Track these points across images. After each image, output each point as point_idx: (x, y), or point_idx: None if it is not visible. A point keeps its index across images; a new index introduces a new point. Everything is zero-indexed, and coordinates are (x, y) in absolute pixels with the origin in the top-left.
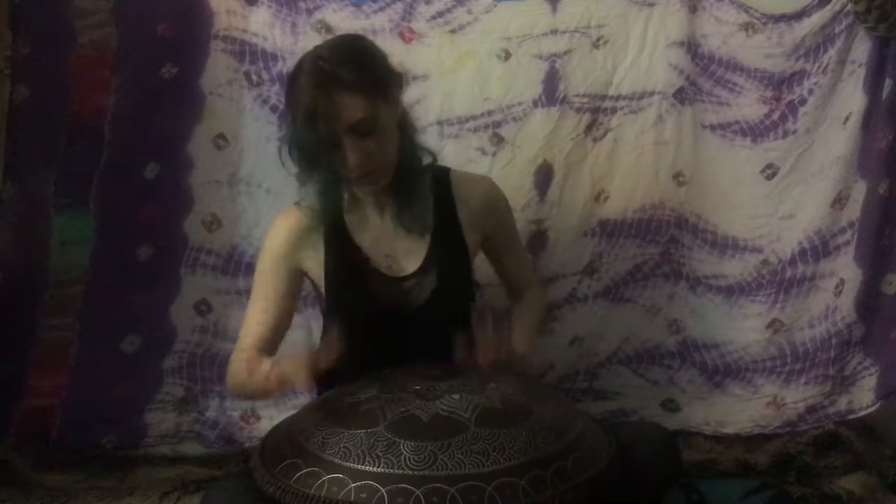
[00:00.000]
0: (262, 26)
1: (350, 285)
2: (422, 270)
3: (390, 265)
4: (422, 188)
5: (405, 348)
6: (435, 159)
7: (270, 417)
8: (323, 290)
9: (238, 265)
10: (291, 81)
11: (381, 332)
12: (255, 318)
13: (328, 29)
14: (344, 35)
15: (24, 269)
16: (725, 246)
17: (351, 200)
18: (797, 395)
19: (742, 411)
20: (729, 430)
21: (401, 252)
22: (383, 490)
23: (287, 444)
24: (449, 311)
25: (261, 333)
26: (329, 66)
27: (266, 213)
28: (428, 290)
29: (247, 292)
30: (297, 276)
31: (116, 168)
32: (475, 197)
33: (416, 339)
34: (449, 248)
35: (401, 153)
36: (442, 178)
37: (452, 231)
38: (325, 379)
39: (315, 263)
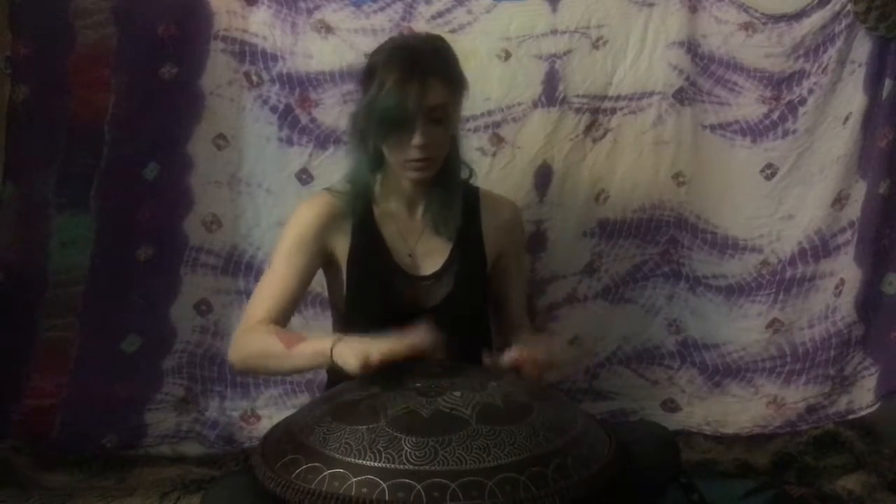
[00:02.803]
0: (262, 26)
1: (372, 276)
2: (441, 273)
3: (412, 263)
4: (457, 198)
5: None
6: (472, 174)
7: (270, 417)
8: (344, 276)
9: (238, 265)
10: (376, 58)
11: (392, 328)
12: (270, 291)
13: (328, 29)
14: (431, 34)
15: (24, 269)
16: (725, 246)
17: (382, 192)
18: (797, 395)
19: (742, 411)
20: (729, 430)
21: (423, 251)
22: (384, 485)
23: (288, 440)
24: (459, 316)
25: (274, 307)
26: (425, 50)
27: (266, 213)
28: (443, 293)
29: (247, 292)
30: (320, 257)
31: (116, 168)
32: (499, 215)
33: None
34: (469, 257)
35: (447, 158)
36: (472, 191)
37: (474, 241)
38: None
39: (342, 248)
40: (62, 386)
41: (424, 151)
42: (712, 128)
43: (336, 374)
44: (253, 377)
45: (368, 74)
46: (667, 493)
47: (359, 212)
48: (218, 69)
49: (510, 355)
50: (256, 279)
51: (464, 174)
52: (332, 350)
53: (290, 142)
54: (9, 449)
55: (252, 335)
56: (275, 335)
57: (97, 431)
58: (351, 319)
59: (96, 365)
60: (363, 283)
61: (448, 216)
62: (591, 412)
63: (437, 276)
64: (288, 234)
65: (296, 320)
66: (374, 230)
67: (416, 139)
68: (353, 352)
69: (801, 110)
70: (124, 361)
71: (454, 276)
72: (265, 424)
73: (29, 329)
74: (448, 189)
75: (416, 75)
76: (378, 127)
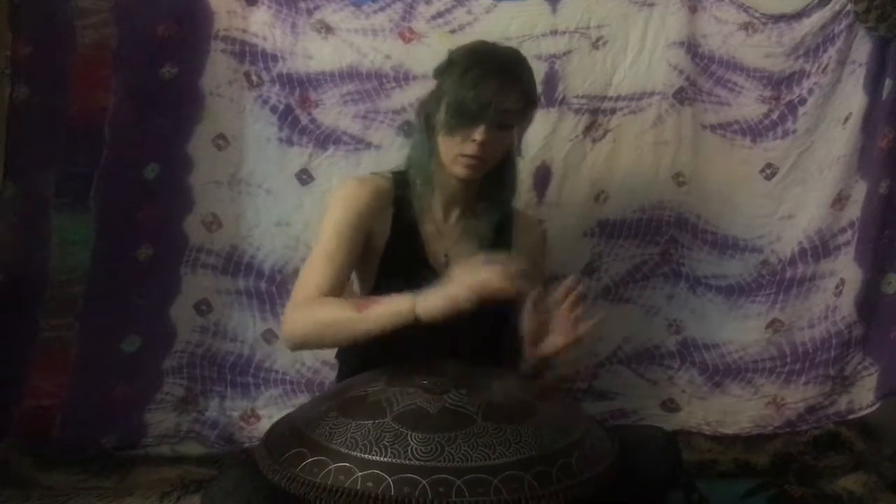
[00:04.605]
0: (262, 26)
1: (404, 271)
2: None
3: (446, 265)
4: (496, 214)
5: (431, 351)
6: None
7: (270, 417)
8: (377, 266)
9: (238, 265)
10: (460, 52)
11: (415, 329)
12: (321, 268)
13: (328, 29)
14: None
15: (24, 269)
16: (725, 246)
17: (425, 190)
18: (797, 395)
19: (742, 411)
20: (729, 430)
21: (456, 256)
22: (390, 479)
23: (293, 434)
24: (481, 325)
25: (326, 284)
26: (510, 56)
27: (266, 214)
28: None
29: (247, 292)
30: (363, 239)
31: (116, 168)
32: (527, 233)
33: (444, 345)
34: None
35: (501, 175)
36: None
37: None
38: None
39: (381, 235)
40: (62, 386)
41: (481, 150)
42: (712, 128)
43: (347, 368)
44: (252, 378)
45: (449, 65)
46: (668, 495)
47: (400, 202)
48: (218, 69)
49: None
50: (257, 279)
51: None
52: (415, 305)
53: (290, 142)
54: (9, 449)
55: (314, 306)
56: (344, 302)
57: (97, 431)
58: None
59: (96, 365)
60: (395, 276)
61: (483, 229)
62: (591, 412)
63: None
64: (337, 210)
65: None
66: (413, 225)
67: (479, 134)
68: (441, 297)
69: (801, 110)
70: (124, 361)
71: None
72: (265, 424)
73: (29, 329)
74: (491, 203)
75: (498, 74)
76: (449, 114)
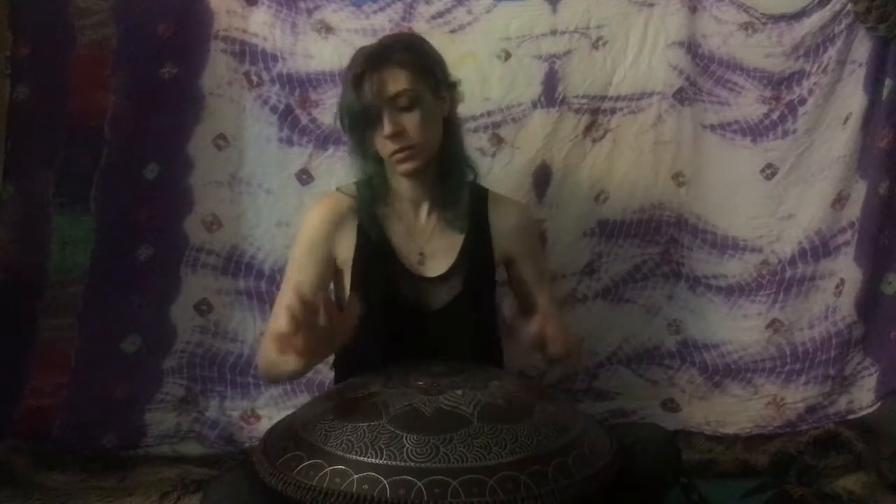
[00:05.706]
0: (262, 26)
1: (376, 277)
2: (449, 274)
3: (420, 263)
4: (461, 195)
5: (420, 350)
6: (476, 176)
7: (270, 417)
8: (348, 279)
9: (238, 265)
10: (351, 57)
11: (398, 329)
12: (285, 302)
13: (328, 29)
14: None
15: (24, 269)
16: (725, 246)
17: (387, 191)
18: (797, 395)
19: (742, 411)
20: (729, 430)
21: (430, 252)
22: (385, 481)
23: (289, 437)
24: (467, 318)
25: None
26: (385, 43)
27: (266, 213)
28: (451, 295)
29: (247, 292)
30: (329, 263)
31: (116, 168)
32: (508, 217)
33: (431, 342)
34: (477, 258)
35: (446, 154)
36: (480, 193)
37: (482, 243)
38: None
39: (346, 250)
40: (62, 386)
41: (400, 140)
42: (712, 128)
43: (342, 371)
44: (252, 378)
45: (345, 72)
46: (667, 495)
47: (365, 212)
48: (218, 69)
49: (534, 326)
50: (257, 279)
51: (469, 176)
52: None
53: (290, 142)
54: (9, 449)
55: (266, 344)
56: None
57: (97, 431)
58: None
59: (96, 365)
60: (367, 284)
61: (455, 213)
62: (591, 412)
63: (443, 277)
64: (299, 239)
65: None
66: (380, 230)
67: (385, 129)
68: None
69: (801, 110)
70: (124, 361)
71: (462, 278)
72: (265, 424)
73: (29, 329)
74: (450, 185)
75: (372, 68)
76: (350, 127)
